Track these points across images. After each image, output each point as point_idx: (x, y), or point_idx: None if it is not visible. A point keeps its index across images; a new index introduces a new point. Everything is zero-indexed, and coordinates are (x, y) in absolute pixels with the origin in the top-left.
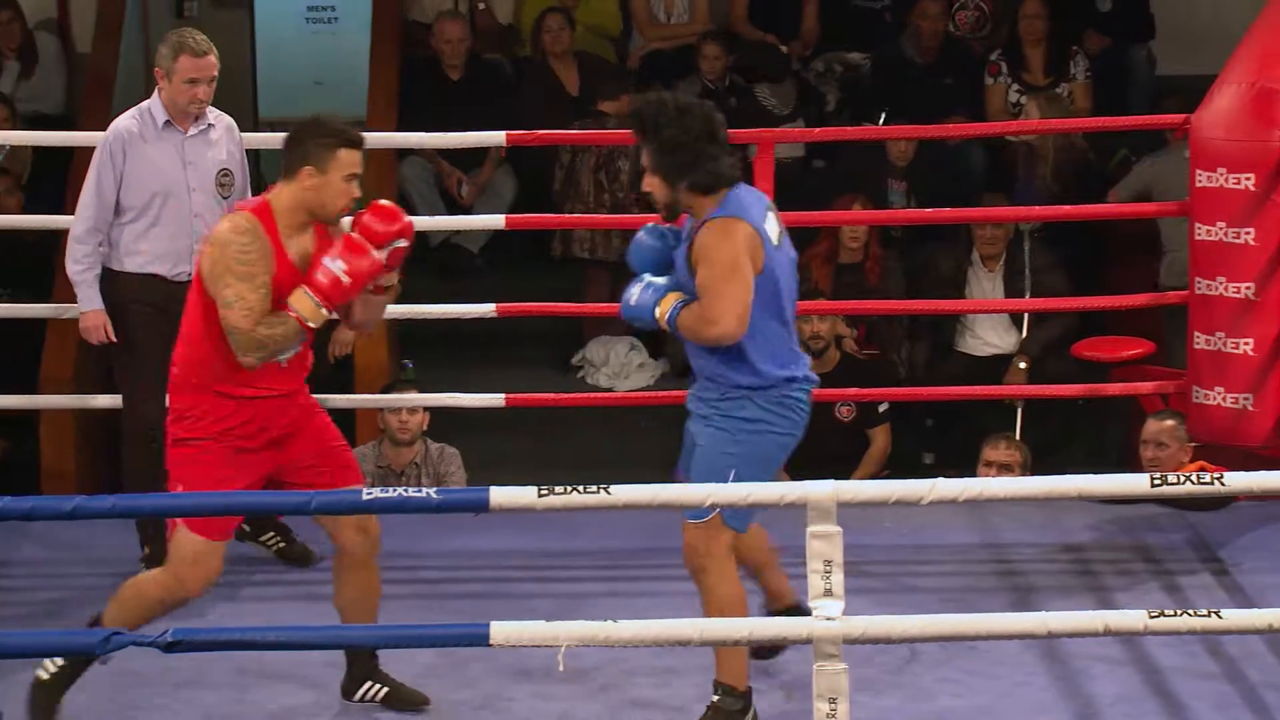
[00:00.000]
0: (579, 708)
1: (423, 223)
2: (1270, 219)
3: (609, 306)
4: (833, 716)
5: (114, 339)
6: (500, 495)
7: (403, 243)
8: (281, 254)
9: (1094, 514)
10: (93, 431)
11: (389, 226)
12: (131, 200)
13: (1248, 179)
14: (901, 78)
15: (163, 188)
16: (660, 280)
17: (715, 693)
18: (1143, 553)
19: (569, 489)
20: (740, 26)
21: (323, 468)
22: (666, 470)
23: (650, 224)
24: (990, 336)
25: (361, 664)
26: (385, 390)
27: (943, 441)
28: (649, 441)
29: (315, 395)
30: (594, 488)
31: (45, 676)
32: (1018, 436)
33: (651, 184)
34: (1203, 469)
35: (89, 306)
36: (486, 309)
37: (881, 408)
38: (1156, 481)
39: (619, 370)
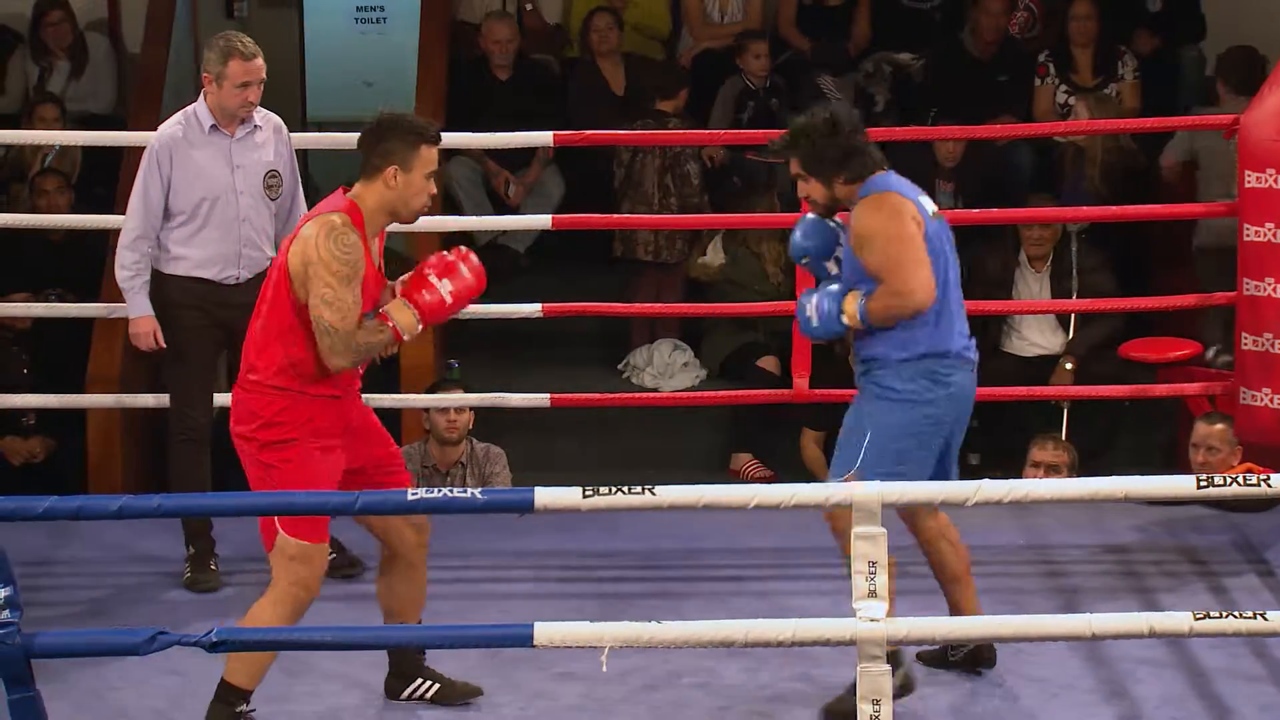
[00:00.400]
0: (622, 709)
1: (470, 223)
2: None
3: (659, 307)
4: (876, 718)
5: (163, 345)
6: (545, 496)
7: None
8: (368, 257)
9: (1139, 515)
10: (139, 431)
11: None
12: (179, 205)
13: None
14: (958, 75)
15: (210, 192)
16: (831, 288)
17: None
18: (1188, 554)
19: (614, 490)
20: (787, 30)
21: (374, 469)
22: (711, 471)
23: (798, 227)
24: (1037, 337)
25: (409, 662)
26: (431, 390)
27: (988, 442)
28: (694, 442)
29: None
30: (639, 488)
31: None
32: (1064, 437)
33: (809, 188)
34: (1249, 470)
35: (138, 313)
36: (533, 309)
37: None
38: (1203, 483)
39: (663, 370)
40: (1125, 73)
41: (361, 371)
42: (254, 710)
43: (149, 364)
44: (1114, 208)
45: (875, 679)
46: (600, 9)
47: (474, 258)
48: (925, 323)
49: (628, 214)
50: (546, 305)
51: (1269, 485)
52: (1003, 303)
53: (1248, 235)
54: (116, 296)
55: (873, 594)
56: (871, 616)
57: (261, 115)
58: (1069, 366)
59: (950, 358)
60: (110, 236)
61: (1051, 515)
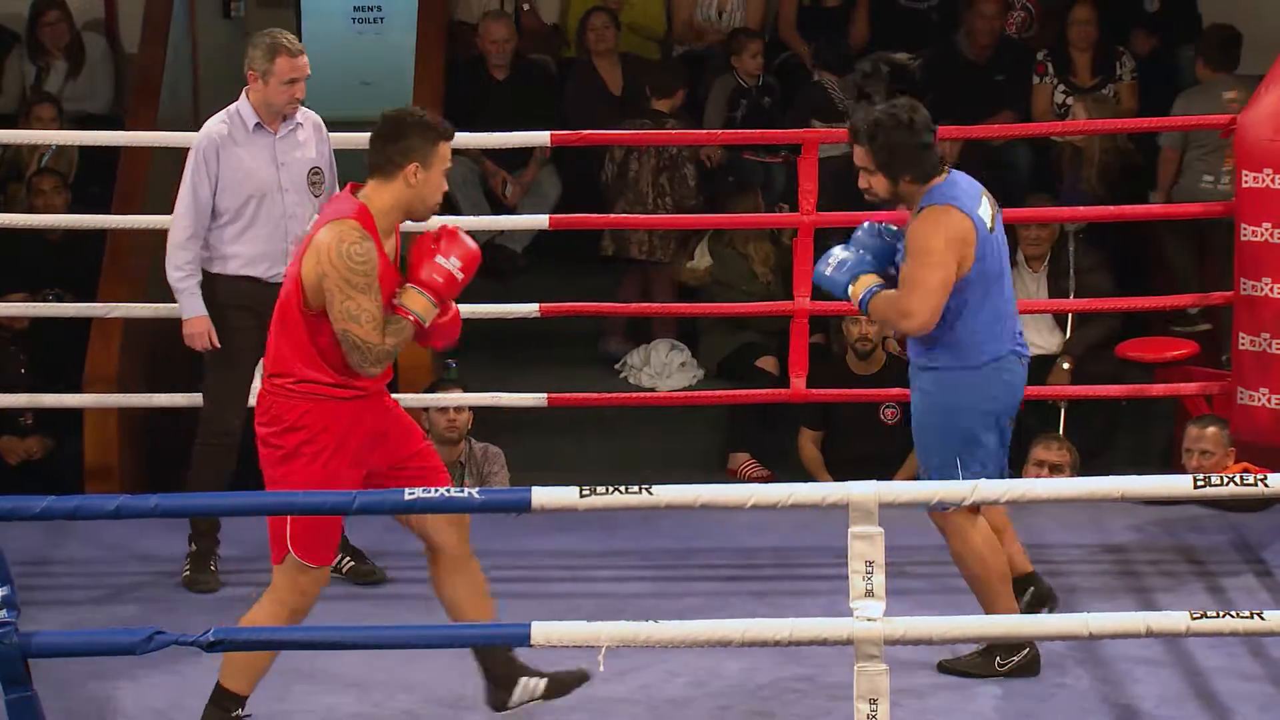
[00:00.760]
0: (620, 708)
1: (467, 222)
2: None
3: (656, 307)
4: (874, 717)
5: (217, 345)
6: (542, 495)
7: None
8: (383, 257)
9: (1137, 515)
10: (136, 431)
11: (445, 278)
12: (226, 203)
13: None
14: (954, 76)
15: (257, 189)
16: (856, 257)
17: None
18: (1185, 554)
19: (611, 489)
20: (787, 33)
21: (412, 465)
22: (709, 471)
23: (868, 223)
24: (1034, 337)
25: (502, 667)
26: (429, 390)
27: None
28: (692, 442)
29: None
30: (636, 488)
31: None
32: (1060, 434)
33: (874, 182)
34: (1246, 470)
35: (193, 313)
36: (530, 309)
37: None
38: (1200, 483)
39: (661, 370)
40: (1123, 73)
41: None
42: (250, 716)
43: (146, 364)
44: (1112, 207)
45: (872, 679)
46: (596, 9)
47: (461, 231)
48: (986, 332)
49: (622, 213)
50: (544, 305)
51: (1266, 485)
52: None
53: (1245, 235)
54: (113, 296)
55: (870, 594)
56: (869, 616)
57: (302, 113)
58: (1066, 366)
59: (1006, 358)
60: (107, 236)
61: (1049, 515)
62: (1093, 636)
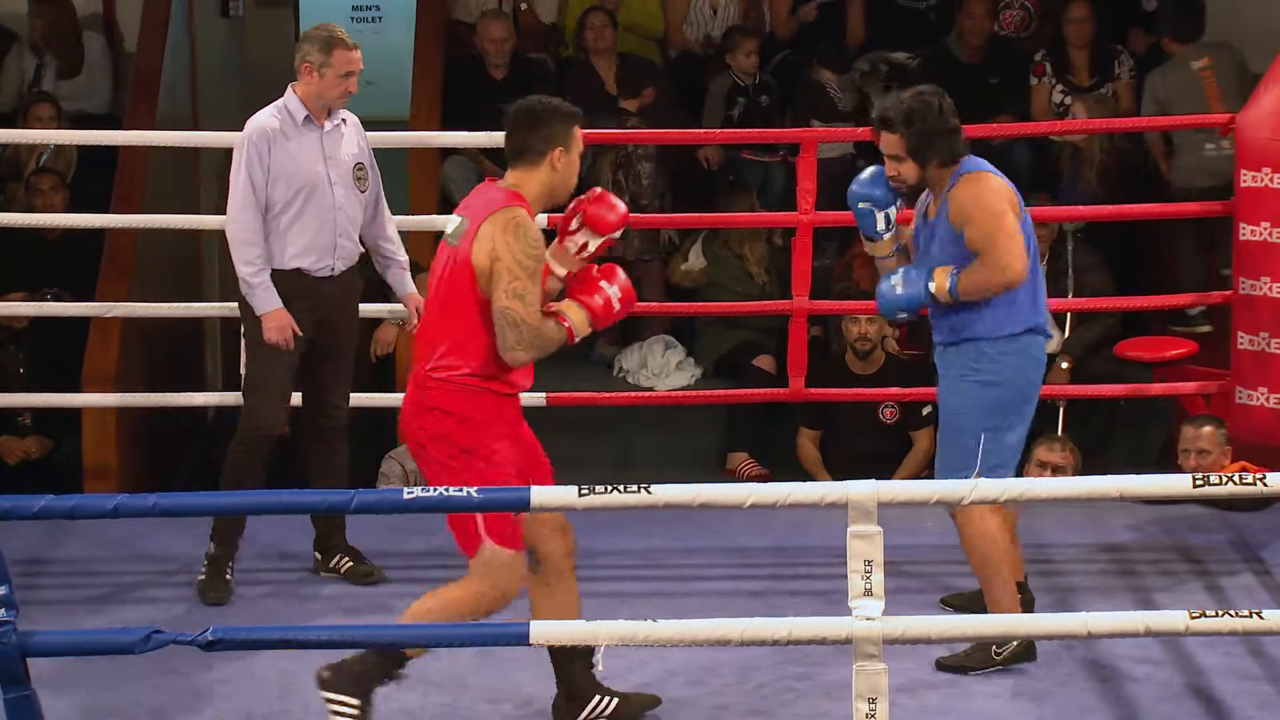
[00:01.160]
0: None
1: None
2: None
3: (651, 306)
4: (872, 716)
5: (300, 332)
6: (541, 494)
7: (617, 234)
8: None
9: (1135, 514)
10: (135, 430)
11: (615, 217)
12: (278, 196)
13: None
14: (948, 78)
15: (307, 182)
16: (915, 267)
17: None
18: (1184, 553)
19: (609, 488)
20: (783, 33)
21: (531, 463)
22: (707, 470)
23: (870, 171)
24: None
25: (579, 680)
26: None
27: None
28: (690, 441)
29: (357, 394)
30: (634, 487)
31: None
32: (1060, 435)
33: (903, 169)
34: (1244, 469)
35: (272, 306)
36: None
37: (925, 410)
38: (1198, 482)
39: (659, 370)
40: (1121, 72)
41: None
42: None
43: (145, 363)
44: (1110, 207)
45: (871, 677)
46: (594, 8)
47: (604, 195)
48: (1023, 299)
49: None
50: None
51: (1265, 484)
52: None
53: (1243, 234)
54: (112, 295)
55: (868, 593)
56: (867, 615)
57: (343, 111)
58: (1065, 365)
59: (1039, 332)
60: (105, 236)
61: (1047, 514)
62: (1091, 636)
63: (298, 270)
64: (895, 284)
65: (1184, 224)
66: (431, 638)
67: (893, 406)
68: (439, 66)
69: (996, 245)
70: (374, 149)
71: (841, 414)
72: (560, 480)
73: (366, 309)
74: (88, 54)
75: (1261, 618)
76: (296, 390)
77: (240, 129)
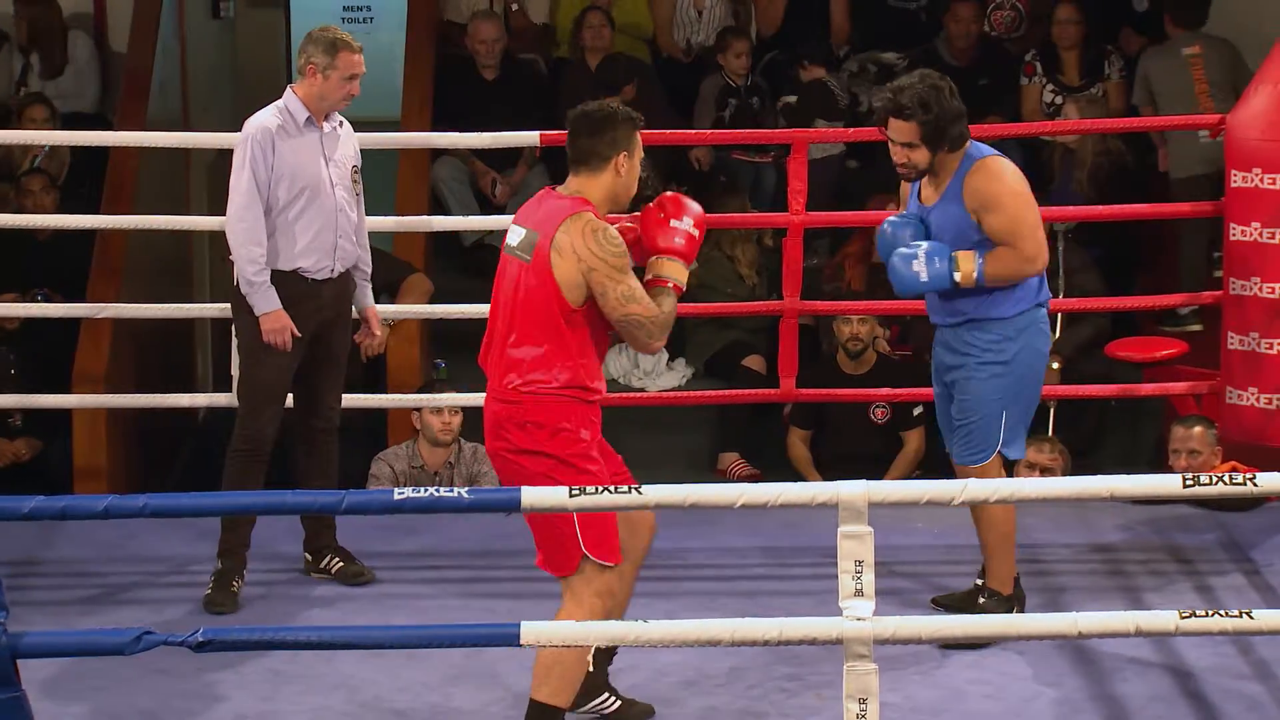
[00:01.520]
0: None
1: (456, 222)
2: None
3: None
4: (863, 716)
5: (299, 334)
6: (532, 495)
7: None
8: None
9: (1126, 514)
10: (125, 431)
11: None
12: (279, 196)
13: None
14: None
15: (309, 183)
16: (933, 245)
17: (981, 595)
18: (1174, 553)
19: (600, 489)
20: (766, 31)
21: (611, 467)
22: (697, 470)
23: (895, 216)
24: None
25: (596, 675)
26: (420, 391)
27: None
28: (681, 441)
29: (348, 395)
30: (625, 488)
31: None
32: (1049, 434)
33: (914, 155)
34: (1235, 469)
35: (272, 307)
36: None
37: (916, 411)
38: (1189, 482)
39: (650, 370)
40: (1111, 73)
41: None
42: None
43: (135, 364)
44: (1101, 207)
45: (862, 677)
46: (593, 7)
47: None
48: (1032, 280)
49: None
50: None
51: (1255, 484)
52: None
53: (1234, 235)
54: (102, 296)
55: (859, 593)
56: (858, 615)
57: (339, 115)
58: (1055, 366)
59: (1043, 305)
60: (96, 237)
61: (1038, 514)
62: (1082, 636)
63: (297, 272)
64: (918, 269)
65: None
66: (422, 638)
67: (884, 407)
68: (430, 67)
69: (1025, 236)
70: (365, 149)
71: (833, 414)
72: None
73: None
74: (75, 53)
75: (1251, 618)
76: (290, 391)
77: (231, 129)
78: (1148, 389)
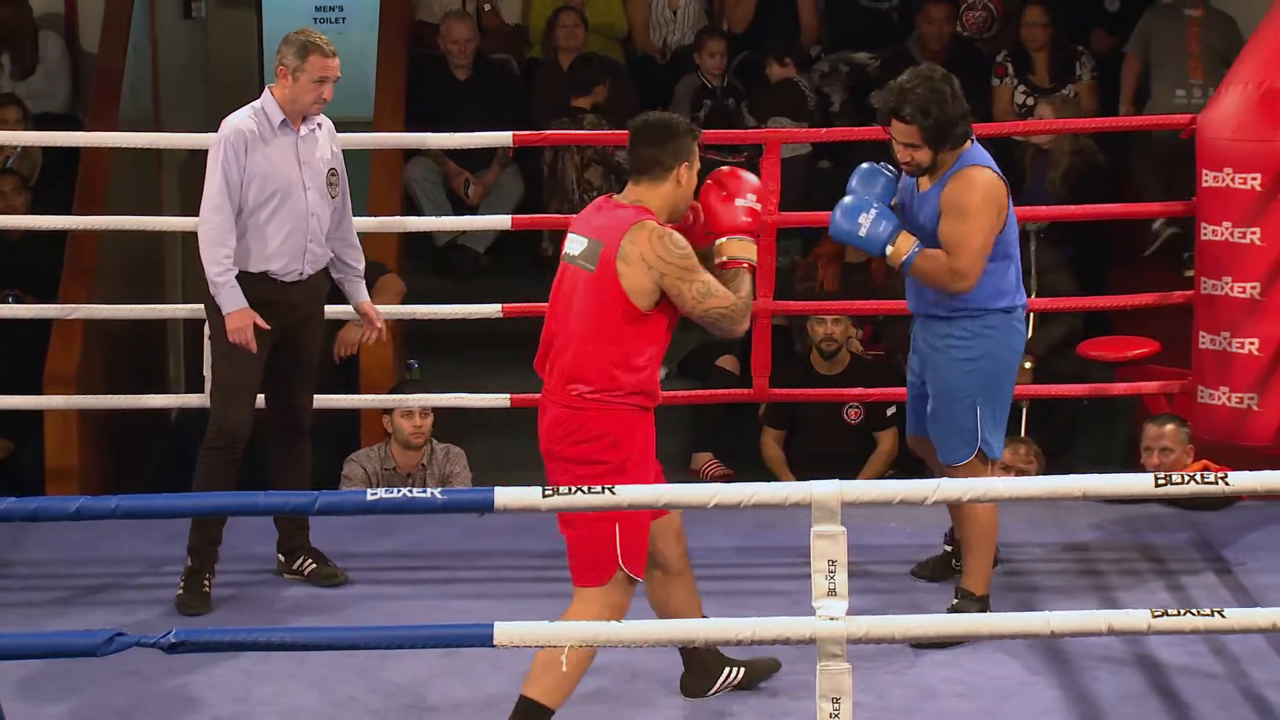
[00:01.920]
0: (582, 709)
1: (428, 223)
2: (1276, 219)
3: None
4: (835, 716)
5: (265, 327)
6: (505, 496)
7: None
8: None
9: (1098, 513)
10: (97, 432)
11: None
12: (252, 198)
13: (1254, 179)
14: None
15: (282, 185)
16: (885, 214)
17: (956, 596)
18: (1146, 552)
19: (574, 489)
20: (737, 29)
21: (655, 471)
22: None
23: (867, 165)
24: None
25: (710, 658)
26: (392, 392)
27: None
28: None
29: (320, 396)
30: (599, 488)
31: None
32: (1022, 435)
33: (917, 155)
34: (1206, 469)
35: (237, 306)
36: (492, 309)
37: (889, 411)
38: (1161, 481)
39: None
40: (1083, 73)
41: None
42: None
43: (107, 365)
44: (1073, 207)
45: (835, 677)
46: (566, 7)
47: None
48: (1013, 278)
49: (554, 212)
50: (506, 306)
51: (1226, 484)
52: None
53: (1205, 234)
54: (73, 297)
55: (832, 593)
56: (831, 615)
57: (319, 116)
58: (1028, 365)
59: (1023, 306)
60: (68, 237)
61: (1010, 514)
62: (1054, 635)
63: (266, 274)
64: (862, 221)
65: (1150, 161)
66: (395, 639)
67: (857, 407)
68: (402, 67)
69: (962, 252)
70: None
71: (806, 414)
72: (525, 481)
73: (331, 310)
74: (46, 54)
75: (1223, 616)
76: (262, 392)
77: (203, 130)
78: (1120, 388)
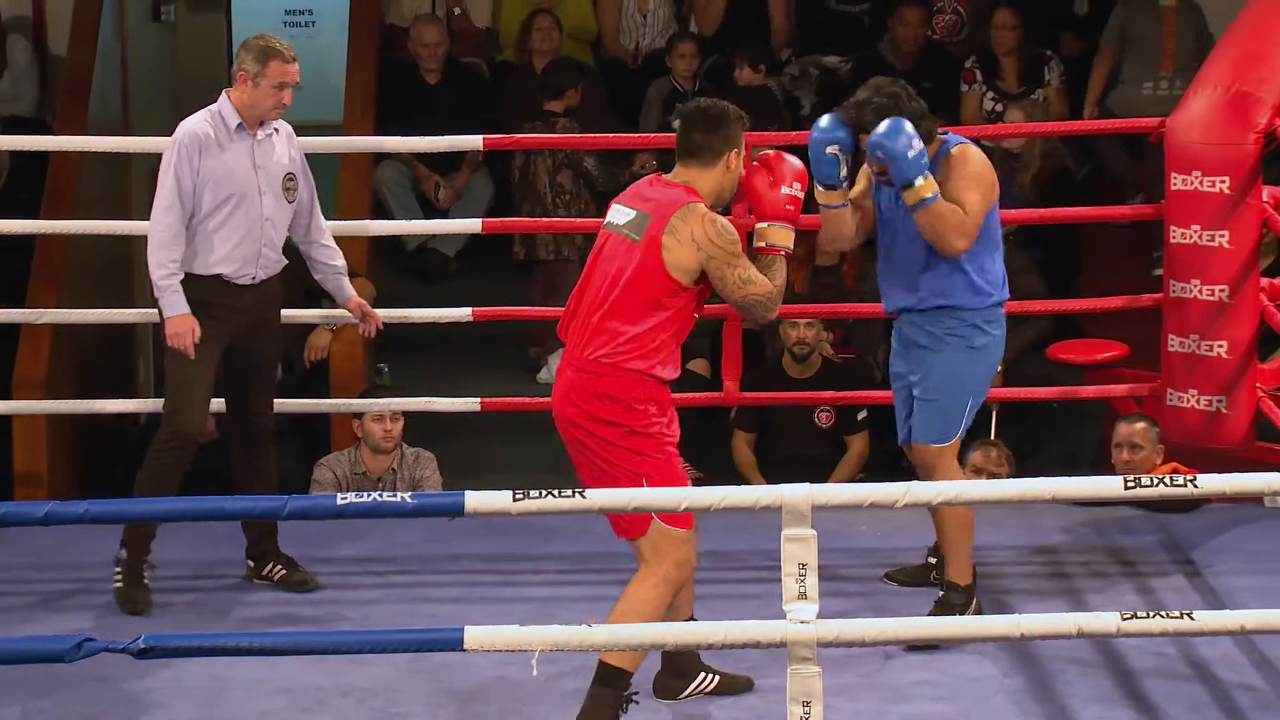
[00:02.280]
0: (553, 714)
1: (398, 227)
2: (1244, 222)
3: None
4: (806, 719)
5: (214, 336)
6: (475, 499)
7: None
8: None
9: (1067, 516)
10: (65, 437)
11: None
12: (205, 202)
13: (1222, 182)
14: None
15: (236, 190)
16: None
17: (941, 589)
18: (1116, 554)
19: (544, 493)
20: (707, 31)
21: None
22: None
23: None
24: None
25: (688, 659)
26: (362, 396)
27: None
28: None
29: (290, 400)
30: (569, 492)
31: None
32: (992, 438)
33: None
34: (1175, 471)
35: (177, 311)
36: (463, 313)
37: (860, 415)
38: (1130, 484)
39: None
40: (1051, 78)
41: None
42: (636, 693)
43: (75, 370)
44: (1043, 210)
45: (805, 681)
46: (541, 10)
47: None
48: (1001, 273)
49: (526, 215)
50: (476, 309)
51: (1195, 486)
52: None
53: (1174, 237)
54: (41, 302)
55: (803, 596)
56: (802, 619)
57: (277, 121)
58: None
59: (1003, 305)
60: (36, 242)
61: (980, 516)
62: (1024, 637)
63: (218, 276)
64: (913, 145)
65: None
66: (365, 643)
67: (828, 411)
68: (372, 71)
69: (974, 218)
70: (307, 153)
71: (777, 418)
72: (495, 485)
73: (299, 315)
74: (13, 57)
75: (1193, 619)
76: (219, 396)
77: (172, 134)
78: (1089, 391)
